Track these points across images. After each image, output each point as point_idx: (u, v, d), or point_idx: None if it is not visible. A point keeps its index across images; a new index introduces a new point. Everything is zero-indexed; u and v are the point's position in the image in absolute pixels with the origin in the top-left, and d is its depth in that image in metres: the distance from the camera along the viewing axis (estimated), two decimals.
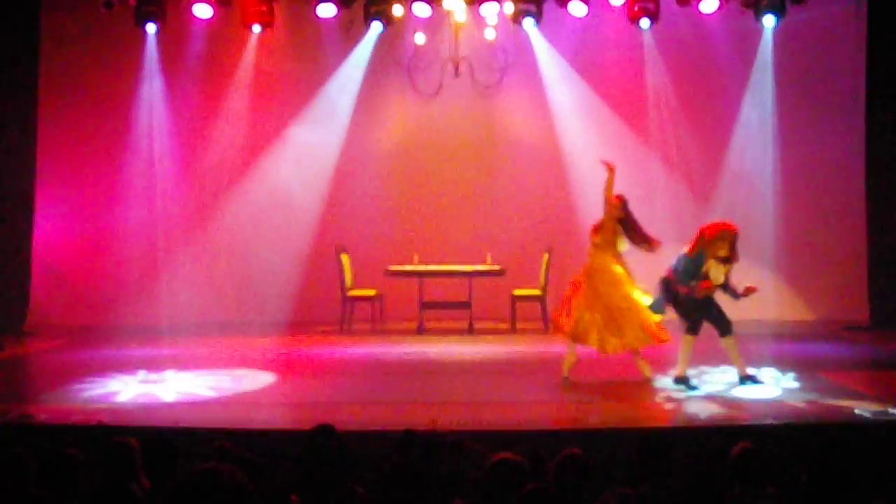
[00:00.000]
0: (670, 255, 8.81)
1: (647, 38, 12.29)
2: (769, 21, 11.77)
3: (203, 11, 11.82)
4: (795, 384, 8.48)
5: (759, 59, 12.31)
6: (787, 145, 12.48)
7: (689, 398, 8.02)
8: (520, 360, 10.08)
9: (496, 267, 11.98)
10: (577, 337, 8.59)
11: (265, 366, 9.75)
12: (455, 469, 4.56)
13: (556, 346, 10.93)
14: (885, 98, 11.72)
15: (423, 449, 4.64)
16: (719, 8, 11.85)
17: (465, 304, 11.84)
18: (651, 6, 11.65)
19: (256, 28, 11.96)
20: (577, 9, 11.76)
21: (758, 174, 12.55)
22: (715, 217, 12.49)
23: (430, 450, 4.65)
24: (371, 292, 11.93)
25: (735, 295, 8.45)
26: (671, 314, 8.74)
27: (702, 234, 8.55)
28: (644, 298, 8.64)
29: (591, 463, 4.63)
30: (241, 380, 9.01)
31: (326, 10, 11.86)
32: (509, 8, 11.57)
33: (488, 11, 11.42)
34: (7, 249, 11.74)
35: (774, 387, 8.36)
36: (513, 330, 11.79)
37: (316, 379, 9.14)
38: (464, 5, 11.27)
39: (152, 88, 12.43)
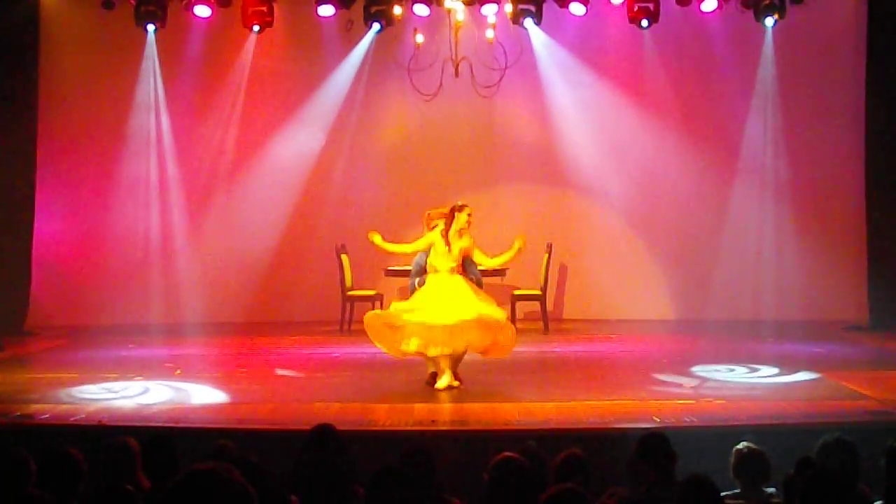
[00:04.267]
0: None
1: (647, 38, 12.29)
2: (769, 21, 11.77)
3: (203, 11, 11.83)
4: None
5: (759, 59, 12.30)
6: (786, 145, 12.48)
7: (689, 398, 8.01)
8: (520, 360, 10.07)
9: None
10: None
11: (265, 366, 9.75)
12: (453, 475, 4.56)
13: (556, 346, 10.99)
14: (885, 99, 11.71)
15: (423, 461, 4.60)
16: (719, 8, 11.86)
17: None
18: (651, 6, 11.65)
19: (256, 28, 11.96)
20: (577, 9, 11.77)
21: (757, 174, 12.56)
22: (713, 218, 12.61)
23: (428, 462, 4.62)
24: (371, 292, 11.92)
25: None
26: None
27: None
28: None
29: (591, 463, 4.63)
30: (241, 380, 9.01)
31: (326, 11, 11.87)
32: (509, 8, 11.57)
33: (488, 11, 11.43)
34: (7, 249, 11.74)
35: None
36: None
37: (316, 379, 9.13)
38: (463, 5, 11.26)
39: (152, 88, 12.44)
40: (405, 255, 9.34)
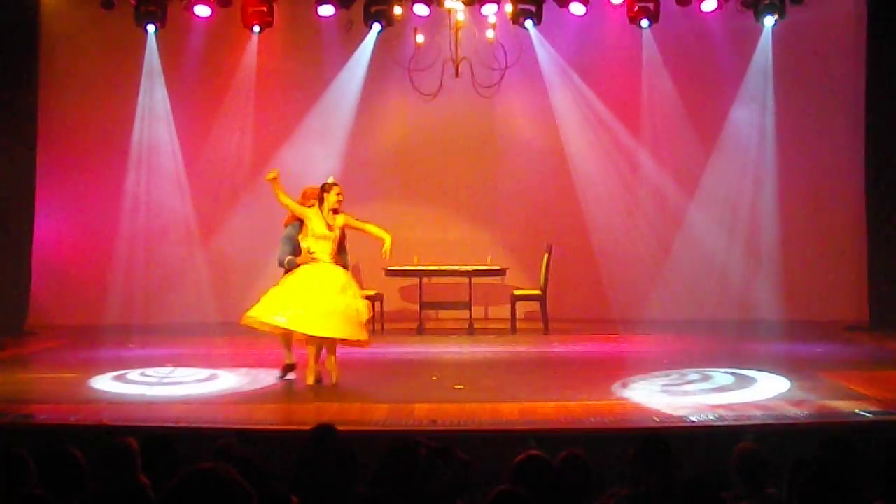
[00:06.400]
0: None
1: (647, 38, 12.30)
2: (769, 21, 11.78)
3: (203, 11, 11.83)
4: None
5: (759, 59, 12.32)
6: (786, 145, 12.49)
7: (689, 399, 8.01)
8: (520, 360, 10.08)
9: (496, 266, 11.99)
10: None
11: (265, 366, 9.75)
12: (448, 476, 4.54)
13: (556, 346, 11.00)
14: (885, 98, 11.71)
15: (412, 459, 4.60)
16: (719, 8, 11.87)
17: (465, 304, 11.85)
18: (651, 6, 11.67)
19: (256, 28, 11.97)
20: (577, 8, 11.77)
21: (757, 174, 12.56)
22: (714, 218, 12.62)
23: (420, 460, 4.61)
24: (371, 292, 11.90)
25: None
26: None
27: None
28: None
29: (591, 463, 4.63)
30: (242, 380, 9.01)
31: (326, 11, 11.87)
32: (509, 8, 11.58)
33: (488, 11, 11.44)
34: (7, 249, 11.74)
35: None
36: (513, 330, 11.79)
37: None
38: (463, 5, 11.27)
39: (152, 89, 12.44)
40: (282, 205, 8.73)
